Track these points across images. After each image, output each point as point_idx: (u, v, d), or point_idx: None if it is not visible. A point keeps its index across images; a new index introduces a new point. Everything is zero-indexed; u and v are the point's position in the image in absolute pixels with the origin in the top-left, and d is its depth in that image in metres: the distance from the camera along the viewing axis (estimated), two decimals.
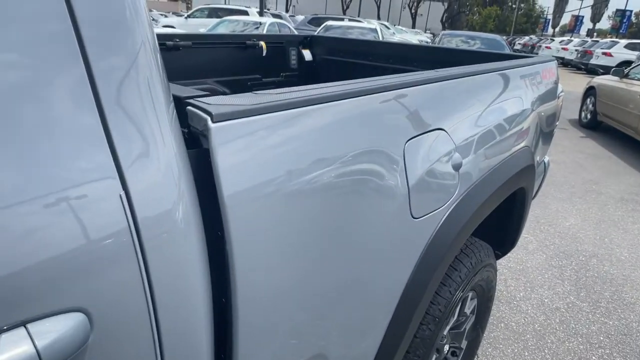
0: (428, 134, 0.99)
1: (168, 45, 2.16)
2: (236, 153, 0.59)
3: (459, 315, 1.53)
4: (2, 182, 0.41)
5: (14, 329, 0.41)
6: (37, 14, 0.44)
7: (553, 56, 2.86)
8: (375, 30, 10.48)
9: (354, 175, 0.77)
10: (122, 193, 0.48)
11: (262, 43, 2.64)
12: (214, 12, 15.66)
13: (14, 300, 0.41)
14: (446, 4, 64.75)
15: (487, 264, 1.50)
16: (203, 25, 13.90)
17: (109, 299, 0.48)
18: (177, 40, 2.21)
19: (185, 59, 2.29)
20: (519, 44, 33.31)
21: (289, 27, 11.79)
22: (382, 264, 0.89)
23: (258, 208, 0.61)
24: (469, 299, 1.57)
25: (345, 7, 57.14)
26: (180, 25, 16.11)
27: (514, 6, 64.67)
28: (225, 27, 11.05)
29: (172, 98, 0.57)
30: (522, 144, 1.51)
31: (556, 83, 2.03)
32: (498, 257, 1.88)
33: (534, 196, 2.28)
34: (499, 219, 1.77)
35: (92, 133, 0.47)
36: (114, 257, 0.48)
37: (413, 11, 60.18)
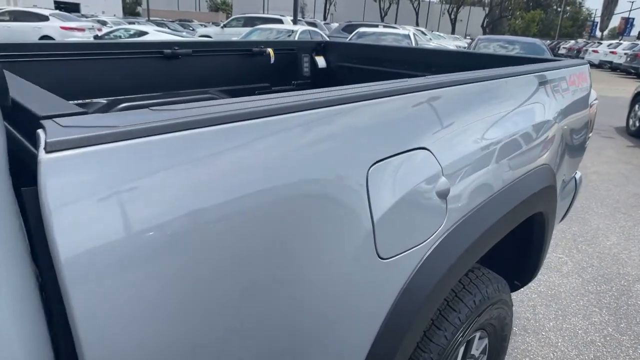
0: (405, 154, 0.82)
1: (166, 54, 2.08)
2: (78, 195, 0.44)
3: (465, 359, 1.33)
4: None
5: None
6: None
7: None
8: (408, 37, 10.23)
9: (286, 210, 0.61)
10: None
11: (270, 50, 2.53)
12: (249, 21, 15.87)
13: None
14: (487, 9, 63.19)
15: (497, 300, 1.29)
16: (238, 34, 14.09)
17: None
18: (176, 48, 2.12)
19: (185, 68, 2.20)
20: (564, 48, 31.93)
21: (321, 35, 11.73)
22: (335, 321, 0.72)
23: (109, 279, 0.46)
24: (477, 338, 1.37)
25: (383, 14, 56.90)
26: (217, 34, 16.44)
27: (559, 9, 62.26)
28: (258, 35, 11.13)
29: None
30: (540, 162, 1.30)
31: (588, 89, 1.79)
32: (517, 288, 1.66)
33: (564, 217, 2.03)
34: (516, 246, 1.55)
35: None
36: None
37: (452, 17, 59.09)
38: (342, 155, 0.70)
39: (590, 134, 1.94)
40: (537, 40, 9.72)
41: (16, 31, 14.00)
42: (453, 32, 53.97)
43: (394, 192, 0.78)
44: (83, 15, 27.95)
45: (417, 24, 51.17)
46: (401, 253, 0.80)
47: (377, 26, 13.92)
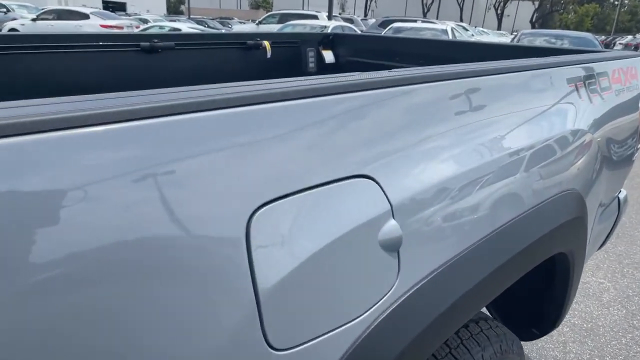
0: (326, 188, 0.54)
1: (143, 47, 1.87)
2: None
3: None
4: None
5: None
6: None
7: None
8: (445, 32, 9.72)
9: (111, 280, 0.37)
10: None
11: (266, 43, 2.28)
12: (284, 18, 15.74)
13: None
14: (537, 3, 60.41)
15: None
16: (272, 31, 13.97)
17: None
18: (156, 40, 1.91)
19: (167, 64, 1.98)
20: (620, 44, 29.93)
21: (355, 31, 11.41)
22: None
23: None
24: None
25: (425, 10, 55.55)
26: (252, 31, 16.43)
27: (616, 2, 58.59)
28: (290, 31, 10.96)
29: None
30: (563, 187, 0.98)
31: (639, 88, 1.42)
32: (534, 337, 1.33)
33: (603, 244, 1.67)
34: (533, 289, 1.22)
35: None
36: None
37: (499, 12, 56.85)
38: (208, 197, 0.44)
39: None
40: (588, 35, 9.00)
41: (58, 29, 14.50)
42: (499, 28, 51.97)
43: (300, 248, 0.50)
44: (127, 14, 28.90)
45: (461, 20, 49.61)
46: (311, 340, 0.52)
47: (415, 21, 13.44)
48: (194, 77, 2.07)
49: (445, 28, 9.89)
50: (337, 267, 0.54)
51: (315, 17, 14.85)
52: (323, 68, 2.62)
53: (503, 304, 1.32)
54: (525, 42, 9.25)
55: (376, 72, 0.68)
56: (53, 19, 14.86)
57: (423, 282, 0.64)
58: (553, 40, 9.55)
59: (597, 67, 1.16)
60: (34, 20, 14.92)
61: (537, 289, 1.20)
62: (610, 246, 3.16)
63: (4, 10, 18.59)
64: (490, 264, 0.75)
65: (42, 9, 16.44)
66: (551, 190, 0.93)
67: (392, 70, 0.71)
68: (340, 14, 20.64)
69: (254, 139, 0.50)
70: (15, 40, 1.61)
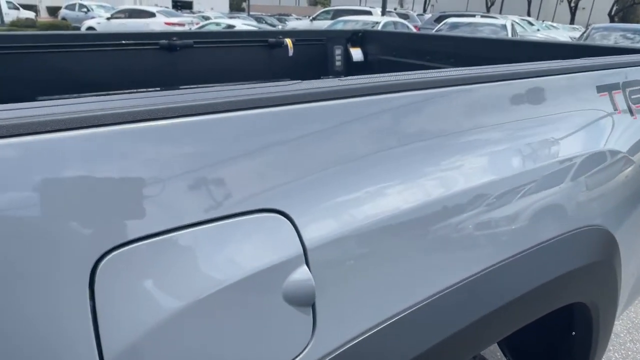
0: (216, 225, 0.46)
1: (162, 45, 1.87)
2: None
3: None
4: None
5: None
6: None
7: None
8: (504, 27, 9.19)
9: None
10: None
11: (288, 40, 2.21)
12: (338, 14, 15.66)
13: None
14: None
15: None
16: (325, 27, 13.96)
17: None
18: (175, 39, 1.90)
19: (186, 62, 1.98)
20: None
21: (408, 27, 11.10)
22: None
23: None
24: None
25: (489, 4, 53.11)
26: (306, 27, 16.53)
27: None
28: (341, 27, 10.86)
29: None
30: (580, 222, 0.82)
31: None
32: None
33: None
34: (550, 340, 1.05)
35: None
36: None
37: (572, 4, 53.16)
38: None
39: None
40: None
41: (129, 27, 15.39)
42: (572, 22, 48.64)
43: (168, 304, 0.42)
44: (192, 12, 30.14)
45: (529, 14, 46.98)
46: None
47: (473, 16, 12.86)
48: (215, 75, 2.05)
49: (505, 23, 9.35)
50: (221, 326, 0.45)
51: (369, 13, 14.67)
52: (352, 66, 2.52)
53: (518, 345, 1.17)
54: (596, 37, 8.50)
55: (290, 83, 0.57)
56: (125, 17, 15.83)
57: (350, 346, 0.53)
58: (630, 36, 8.75)
59: (637, 71, 0.98)
60: (108, 19, 15.97)
61: (554, 340, 1.03)
62: None
63: (85, 10, 20.11)
64: (452, 326, 0.62)
65: (116, 9, 17.58)
66: (560, 226, 0.77)
67: (305, 81, 0.60)
68: (395, 9, 20.17)
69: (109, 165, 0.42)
70: (38, 39, 1.65)
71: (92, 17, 17.41)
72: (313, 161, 0.53)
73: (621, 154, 0.88)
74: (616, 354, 2.13)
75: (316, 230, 0.51)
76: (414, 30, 10.81)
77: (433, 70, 0.71)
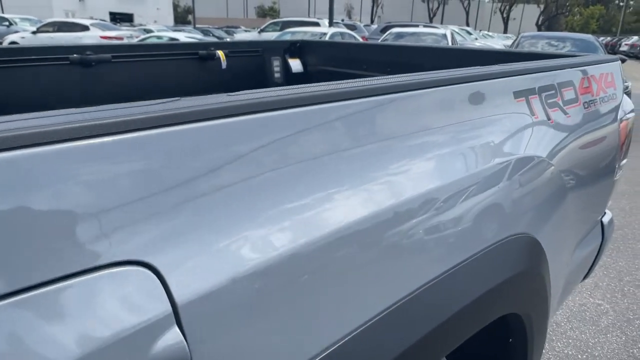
0: (59, 286, 0.35)
1: (72, 60, 1.70)
2: None
3: None
4: None
5: None
6: None
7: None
8: (445, 36, 9.52)
9: None
10: None
11: (220, 52, 2.10)
12: (286, 25, 15.66)
13: None
14: (542, 6, 59.93)
15: None
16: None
17: None
18: (89, 53, 1.74)
19: (106, 78, 1.81)
20: (626, 45, 29.45)
21: (355, 37, 11.27)
22: None
23: None
24: None
25: (432, 15, 55.39)
26: (254, 39, 16.41)
27: (621, 4, 57.89)
28: (289, 38, 10.85)
29: None
30: (504, 232, 0.77)
31: (617, 97, 1.22)
32: None
33: (588, 274, 1.45)
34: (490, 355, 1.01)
35: None
36: None
37: (505, 15, 56.47)
38: None
39: (624, 161, 1.36)
40: (589, 36, 8.79)
41: (59, 41, 14.54)
42: (505, 31, 51.59)
43: None
44: (132, 25, 29.14)
45: (468, 24, 49.38)
46: None
47: (417, 26, 13.28)
48: (138, 92, 1.89)
49: (445, 32, 9.69)
50: None
51: (317, 24, 14.77)
52: (290, 78, 2.45)
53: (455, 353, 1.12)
54: (526, 45, 9.01)
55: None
56: (53, 31, 14.90)
57: None
58: (555, 43, 9.32)
59: (558, 75, 0.96)
60: (34, 32, 14.97)
61: (491, 348, 0.99)
62: (610, 261, 2.93)
63: (7, 24, 18.76)
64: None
65: (43, 22, 16.56)
66: (487, 237, 0.72)
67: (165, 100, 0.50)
68: (342, 20, 20.48)
69: None
70: None
71: (16, 32, 16.30)
72: (185, 204, 0.43)
73: (541, 159, 0.85)
74: (558, 343, 2.16)
75: (190, 284, 0.41)
76: (361, 40, 10.98)
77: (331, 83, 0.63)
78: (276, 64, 2.42)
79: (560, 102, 0.94)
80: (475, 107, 0.77)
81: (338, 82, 0.63)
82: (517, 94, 0.84)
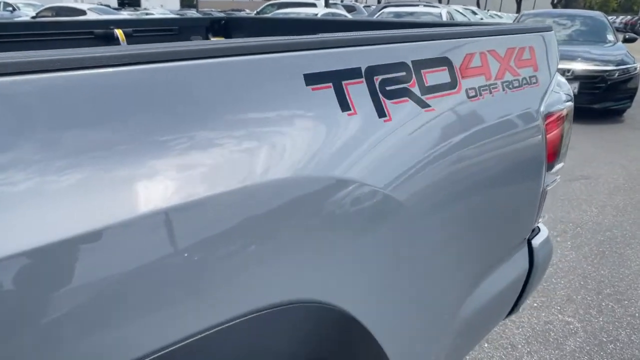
0: None
1: None
2: None
3: None
4: None
5: None
6: None
7: None
8: (441, 15, 9.05)
9: None
10: None
11: (118, 31, 1.80)
12: (283, 6, 15.21)
13: None
14: None
15: None
16: None
17: None
18: None
19: None
20: None
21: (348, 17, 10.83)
22: None
23: None
24: None
25: None
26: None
27: None
28: None
29: None
30: (290, 295, 0.47)
31: (541, 80, 0.90)
32: None
33: (515, 308, 1.15)
34: None
35: None
36: None
37: None
38: None
39: (560, 165, 1.04)
40: (597, 13, 8.28)
41: None
42: (518, 11, 50.07)
43: None
44: (136, 9, 28.83)
45: (478, 5, 47.95)
46: None
47: (417, 5, 12.76)
48: None
49: (439, 12, 9.24)
50: None
51: (313, 5, 14.34)
52: None
53: None
54: (527, 23, 8.52)
55: None
56: (52, 16, 14.72)
57: None
58: (563, 22, 8.82)
59: (417, 50, 0.64)
60: (33, 17, 14.84)
61: None
62: (590, 269, 2.60)
63: (10, 9, 18.69)
64: None
65: (43, 7, 16.43)
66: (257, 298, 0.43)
67: None
68: (342, 1, 19.77)
69: None
70: None
71: (19, 17, 16.21)
72: None
73: (353, 183, 0.54)
74: None
75: None
76: None
77: None
78: None
79: (416, 89, 0.63)
80: (230, 97, 0.47)
81: None
82: (312, 78, 0.53)
